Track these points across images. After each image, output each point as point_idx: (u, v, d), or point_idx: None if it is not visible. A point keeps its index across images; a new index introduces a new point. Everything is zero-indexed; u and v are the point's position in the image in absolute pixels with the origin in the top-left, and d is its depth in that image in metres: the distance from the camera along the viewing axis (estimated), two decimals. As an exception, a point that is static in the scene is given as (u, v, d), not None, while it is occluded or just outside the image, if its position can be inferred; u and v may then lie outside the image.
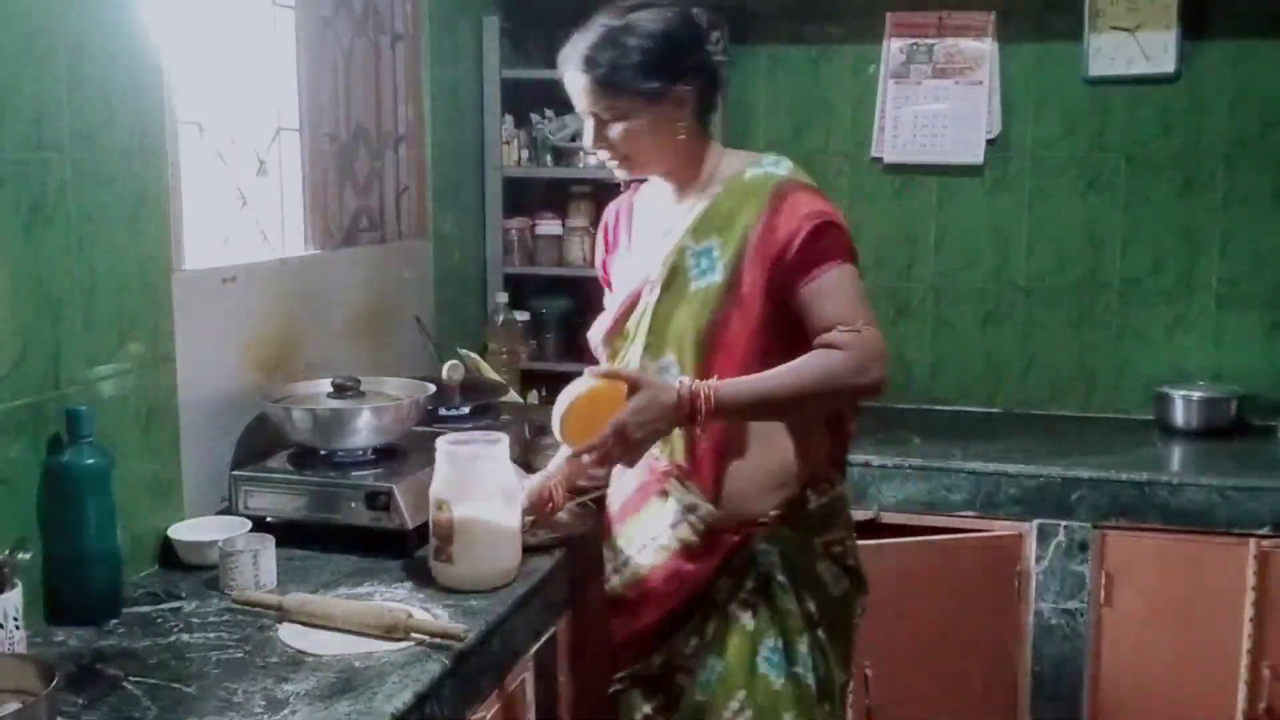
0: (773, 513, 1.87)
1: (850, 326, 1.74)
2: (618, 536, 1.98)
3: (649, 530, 1.92)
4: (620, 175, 1.92)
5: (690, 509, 1.87)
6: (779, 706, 1.83)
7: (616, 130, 1.83)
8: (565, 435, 1.79)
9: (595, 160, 1.90)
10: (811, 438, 1.90)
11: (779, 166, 1.87)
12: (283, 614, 1.78)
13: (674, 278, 1.86)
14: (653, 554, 1.92)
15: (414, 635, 1.71)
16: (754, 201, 1.82)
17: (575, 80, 1.83)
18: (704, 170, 1.90)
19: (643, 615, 1.93)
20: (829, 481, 1.93)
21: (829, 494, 1.92)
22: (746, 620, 1.84)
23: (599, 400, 1.75)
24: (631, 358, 1.90)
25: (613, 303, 1.99)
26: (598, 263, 2.12)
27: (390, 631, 1.71)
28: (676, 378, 1.79)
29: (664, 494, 1.90)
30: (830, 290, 1.77)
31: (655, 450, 1.86)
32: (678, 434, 1.84)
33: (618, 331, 1.94)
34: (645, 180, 1.99)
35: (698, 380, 1.73)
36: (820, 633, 1.87)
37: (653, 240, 1.93)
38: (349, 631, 1.73)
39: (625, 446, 1.72)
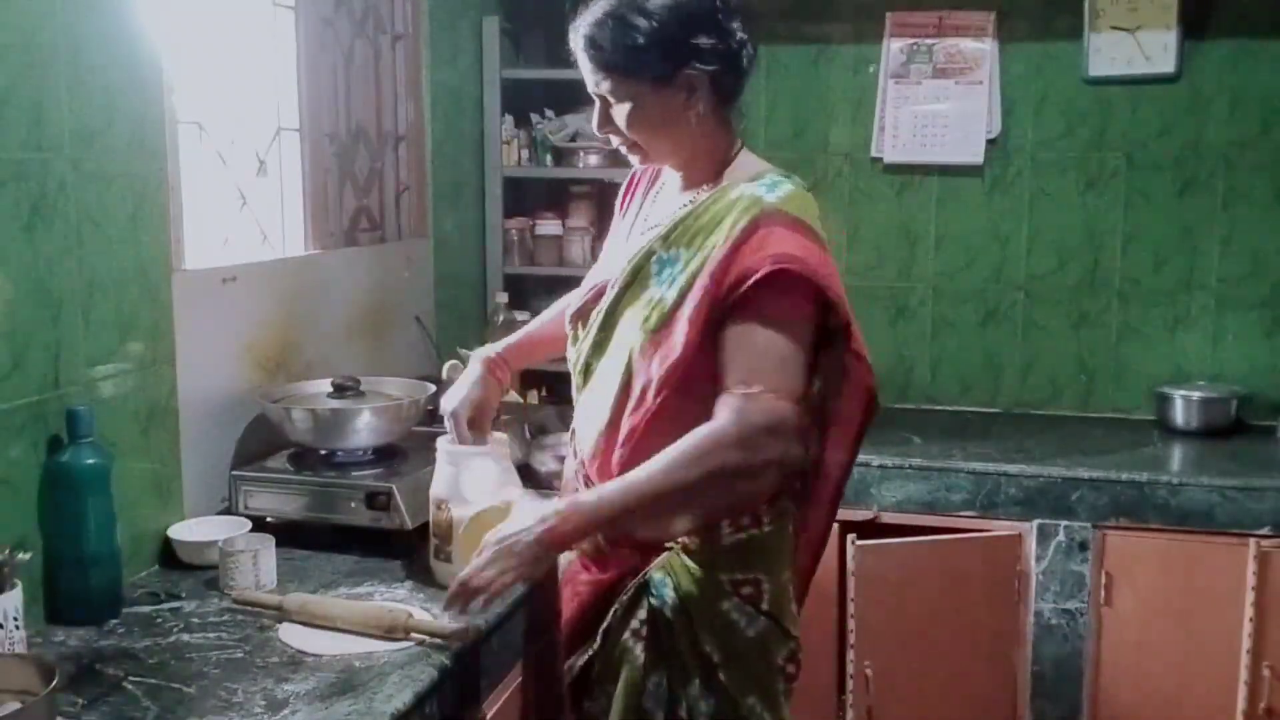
0: (678, 541, 1.71)
1: (748, 389, 1.55)
2: None
3: None
4: (634, 162, 1.80)
5: None
6: None
7: (621, 114, 1.69)
8: (462, 556, 1.75)
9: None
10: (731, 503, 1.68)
11: (774, 191, 1.67)
12: (283, 614, 1.78)
13: (634, 281, 1.73)
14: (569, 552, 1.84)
15: (414, 635, 1.71)
16: (730, 223, 1.65)
17: (580, 60, 1.70)
18: (713, 167, 1.75)
19: (565, 614, 1.85)
20: (755, 520, 1.71)
21: (750, 531, 1.71)
22: (638, 652, 1.70)
23: (486, 522, 1.73)
24: (582, 348, 1.81)
25: (586, 282, 1.88)
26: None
27: (390, 632, 1.71)
28: (553, 499, 1.68)
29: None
30: (750, 342, 1.59)
31: (577, 449, 1.81)
32: (598, 433, 1.74)
33: (581, 318, 1.84)
34: (660, 168, 1.87)
35: (568, 503, 1.60)
36: (721, 676, 1.67)
37: (642, 226, 1.83)
38: (349, 632, 1.73)
39: (500, 559, 1.58)
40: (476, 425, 1.95)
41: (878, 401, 1.81)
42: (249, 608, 1.83)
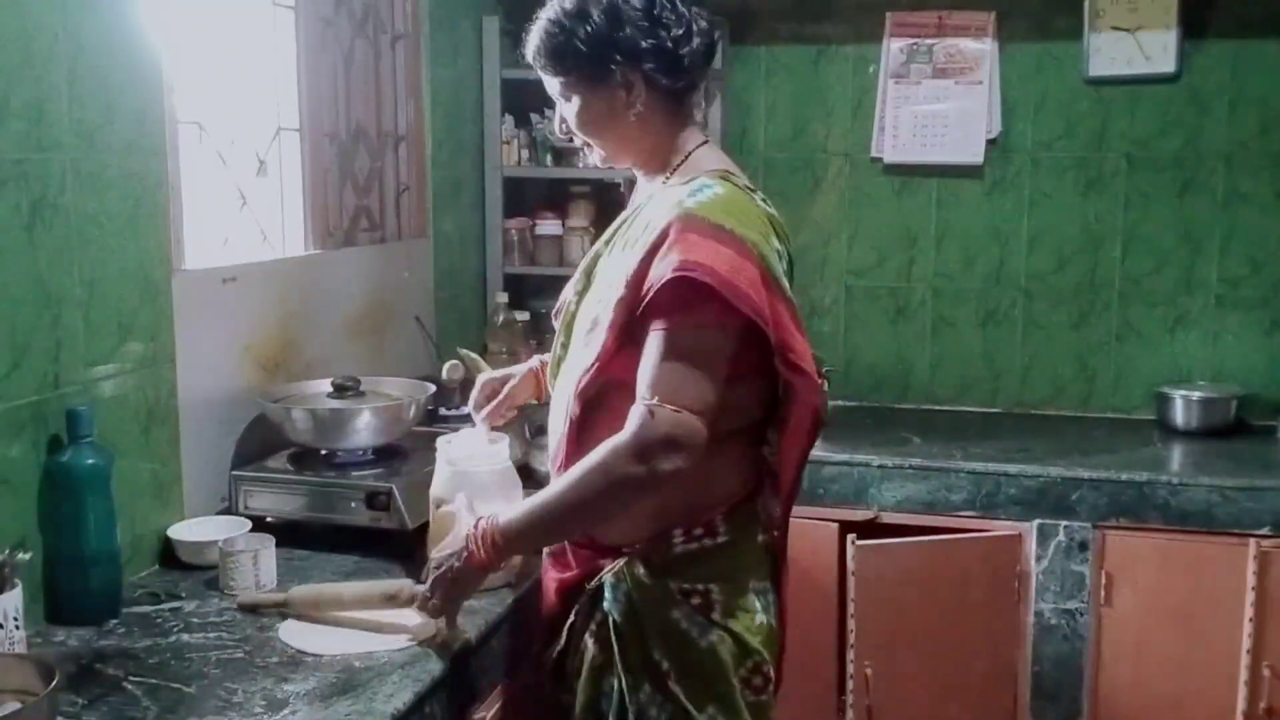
0: (635, 546, 1.69)
1: (650, 403, 1.54)
2: None
3: None
4: (596, 161, 1.81)
5: None
6: None
7: (570, 112, 1.73)
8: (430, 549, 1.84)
9: (595, 159, 1.83)
10: (706, 477, 1.64)
11: (699, 194, 1.62)
12: (287, 611, 1.79)
13: (585, 284, 1.76)
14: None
15: (407, 629, 1.73)
16: (653, 227, 1.62)
17: (533, 63, 1.75)
18: (667, 167, 1.73)
19: (541, 606, 1.87)
20: (709, 529, 1.68)
21: (703, 542, 1.68)
22: (595, 653, 1.70)
23: (442, 526, 1.83)
24: (555, 349, 1.82)
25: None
26: None
27: (392, 601, 1.73)
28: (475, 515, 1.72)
29: None
30: (658, 351, 1.56)
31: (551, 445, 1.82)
32: (559, 436, 1.74)
33: (558, 318, 1.85)
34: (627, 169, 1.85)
35: (489, 523, 1.65)
36: (674, 685, 1.65)
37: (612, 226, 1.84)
38: (353, 610, 1.77)
39: (439, 586, 1.68)
40: (493, 407, 1.98)
41: (823, 421, 1.73)
42: (252, 612, 1.83)
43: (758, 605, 1.72)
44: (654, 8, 1.67)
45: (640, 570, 1.68)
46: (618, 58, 1.66)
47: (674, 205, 1.62)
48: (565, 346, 1.78)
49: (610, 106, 1.70)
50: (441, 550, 1.73)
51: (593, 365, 1.65)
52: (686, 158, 1.73)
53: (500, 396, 1.99)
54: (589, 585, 1.72)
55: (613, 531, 1.70)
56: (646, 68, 1.67)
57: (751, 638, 1.69)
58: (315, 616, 1.79)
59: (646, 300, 1.58)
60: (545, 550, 1.85)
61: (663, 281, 1.55)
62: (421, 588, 1.72)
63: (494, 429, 2.00)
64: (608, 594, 1.69)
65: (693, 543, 1.68)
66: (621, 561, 1.69)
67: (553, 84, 1.74)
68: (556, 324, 1.84)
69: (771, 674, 1.73)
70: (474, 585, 1.70)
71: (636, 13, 1.66)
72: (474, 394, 2.01)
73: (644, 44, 1.66)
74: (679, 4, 1.69)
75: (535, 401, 2.04)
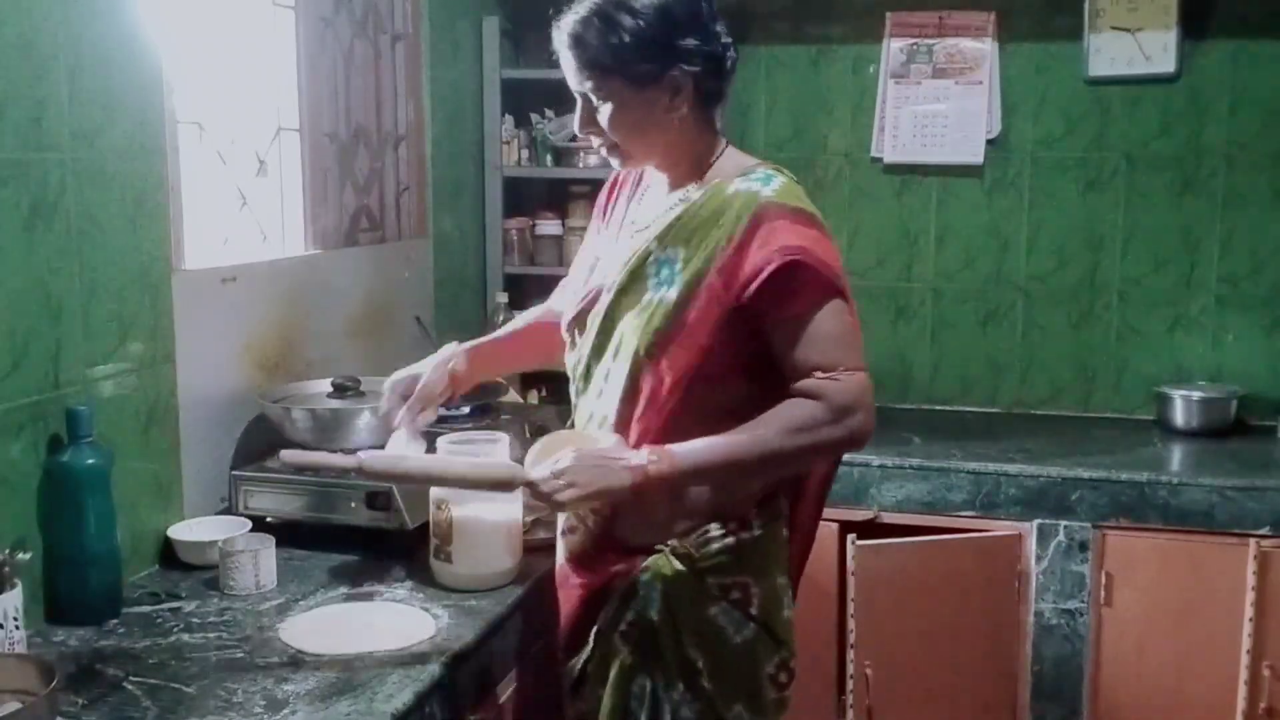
0: (667, 544, 1.70)
1: (828, 373, 1.60)
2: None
3: (560, 524, 1.86)
4: (615, 164, 1.78)
5: (580, 520, 1.78)
6: None
7: (605, 114, 1.68)
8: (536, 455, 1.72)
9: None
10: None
11: (769, 184, 1.67)
12: (362, 473, 1.69)
13: (632, 283, 1.72)
14: (559, 550, 1.86)
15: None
16: (729, 220, 1.65)
17: (563, 57, 1.70)
18: (699, 166, 1.74)
19: (561, 615, 1.85)
20: (744, 523, 1.71)
21: (738, 537, 1.70)
22: (625, 654, 1.70)
23: (573, 439, 1.71)
24: (581, 352, 1.81)
25: (578, 285, 1.88)
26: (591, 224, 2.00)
27: (504, 486, 1.67)
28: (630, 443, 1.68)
29: None
30: (806, 332, 1.61)
31: None
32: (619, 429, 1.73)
33: (578, 323, 1.83)
34: (643, 170, 1.86)
35: (657, 449, 1.61)
36: (706, 683, 1.68)
37: (630, 229, 1.82)
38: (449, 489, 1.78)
39: (563, 484, 1.60)
40: (404, 411, 1.90)
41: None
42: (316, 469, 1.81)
43: (785, 600, 1.76)
44: (702, 13, 1.68)
45: (677, 567, 1.69)
46: (673, 61, 1.65)
47: (750, 197, 1.65)
48: (601, 348, 1.75)
49: (651, 109, 1.67)
50: (597, 447, 1.65)
51: (690, 357, 1.65)
52: (718, 157, 1.75)
53: (413, 399, 1.90)
54: (620, 586, 1.72)
55: (646, 531, 1.71)
56: (696, 71, 1.67)
57: (783, 633, 1.74)
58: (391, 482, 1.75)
59: (755, 289, 1.61)
60: (565, 557, 1.83)
61: (772, 268, 1.60)
62: (538, 474, 1.63)
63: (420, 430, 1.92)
64: (642, 593, 1.69)
65: (729, 537, 1.70)
66: (655, 558, 1.69)
67: (587, 83, 1.68)
68: (576, 329, 1.82)
69: (795, 669, 1.76)
70: (610, 495, 1.62)
71: (689, 17, 1.67)
72: (383, 399, 1.93)
73: (697, 48, 1.66)
74: (716, 12, 1.71)
75: (511, 391, 2.00)
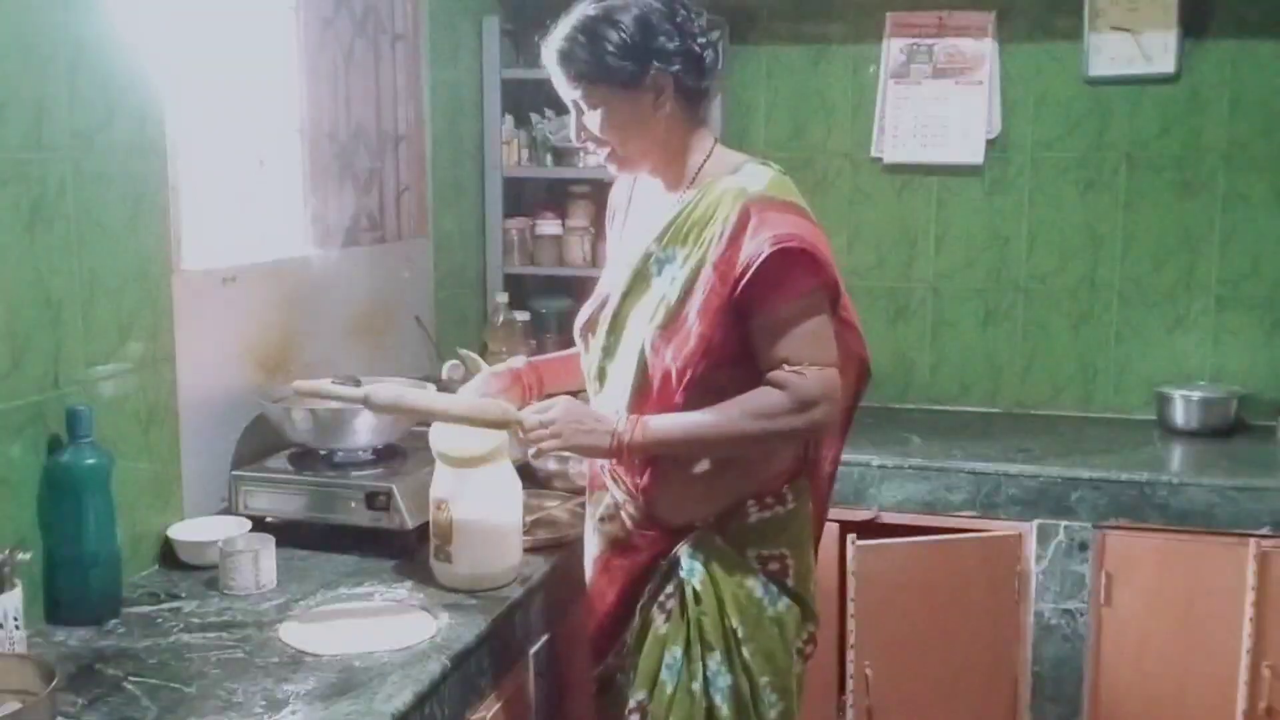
0: (707, 521, 1.81)
1: (795, 367, 1.69)
2: (586, 515, 2.00)
3: (594, 515, 1.95)
4: (612, 170, 1.87)
5: (618, 506, 1.88)
6: (669, 718, 1.75)
7: (595, 119, 1.78)
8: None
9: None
10: (767, 454, 1.82)
11: (756, 179, 1.77)
12: (369, 403, 1.84)
13: (636, 284, 1.81)
14: (595, 540, 1.94)
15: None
16: (722, 215, 1.73)
17: (553, 72, 1.80)
18: (690, 165, 1.82)
19: (596, 609, 1.94)
20: (778, 498, 1.82)
21: (774, 510, 1.82)
22: (660, 624, 1.79)
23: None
24: (594, 354, 1.89)
25: (597, 291, 1.94)
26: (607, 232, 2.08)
27: (501, 426, 1.80)
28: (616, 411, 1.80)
29: (604, 486, 1.92)
30: (781, 325, 1.70)
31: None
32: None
33: (590, 327, 1.91)
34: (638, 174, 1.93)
35: (635, 419, 1.74)
36: (744, 652, 1.77)
37: (639, 230, 1.88)
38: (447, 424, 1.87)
39: (548, 433, 1.74)
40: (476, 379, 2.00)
41: (870, 371, 1.90)
42: (325, 398, 1.92)
43: (813, 573, 1.88)
44: (676, 15, 1.76)
45: (718, 541, 1.79)
46: (651, 62, 1.73)
47: (738, 192, 1.74)
48: (612, 348, 1.84)
49: (638, 109, 1.76)
50: (583, 407, 1.79)
51: (691, 349, 1.73)
52: (709, 156, 1.83)
53: (477, 378, 2.00)
54: (663, 562, 1.81)
55: (686, 510, 1.81)
56: (675, 70, 1.75)
57: (814, 604, 1.87)
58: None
59: (747, 279, 1.69)
60: (602, 547, 1.91)
61: (763, 257, 1.68)
62: (534, 417, 1.76)
63: None
64: (685, 564, 1.78)
65: (766, 510, 1.81)
66: (697, 533, 1.79)
67: (576, 92, 1.78)
68: (589, 333, 1.89)
69: (817, 640, 1.90)
70: (587, 453, 1.80)
71: (666, 19, 1.75)
72: (478, 386, 1.99)
73: (673, 47, 1.75)
74: (694, 11, 1.79)
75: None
